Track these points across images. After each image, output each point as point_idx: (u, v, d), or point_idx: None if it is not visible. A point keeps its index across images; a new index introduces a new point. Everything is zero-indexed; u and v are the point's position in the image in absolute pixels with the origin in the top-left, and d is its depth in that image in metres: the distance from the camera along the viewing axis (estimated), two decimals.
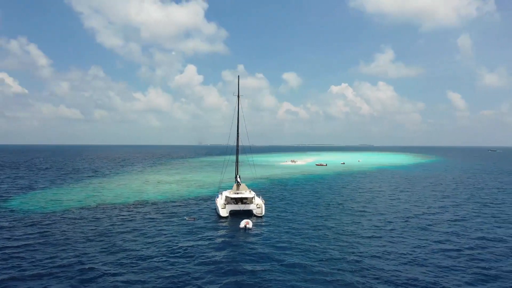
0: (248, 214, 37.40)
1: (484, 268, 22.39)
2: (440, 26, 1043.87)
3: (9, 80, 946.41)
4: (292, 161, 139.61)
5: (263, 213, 37.35)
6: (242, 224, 32.69)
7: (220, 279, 20.40)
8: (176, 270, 21.69)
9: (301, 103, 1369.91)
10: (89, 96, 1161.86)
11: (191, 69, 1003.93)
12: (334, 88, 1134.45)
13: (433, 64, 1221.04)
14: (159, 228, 32.59)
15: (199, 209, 41.59)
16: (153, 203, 45.45)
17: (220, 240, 28.98)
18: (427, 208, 43.06)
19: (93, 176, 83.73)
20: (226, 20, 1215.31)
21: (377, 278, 20.65)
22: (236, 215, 36.92)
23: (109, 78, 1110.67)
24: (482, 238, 29.41)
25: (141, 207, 42.77)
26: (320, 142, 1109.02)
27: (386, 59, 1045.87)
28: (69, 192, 54.86)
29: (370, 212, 40.44)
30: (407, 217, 37.44)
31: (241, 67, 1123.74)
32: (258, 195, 41.74)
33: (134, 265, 22.55)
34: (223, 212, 36.64)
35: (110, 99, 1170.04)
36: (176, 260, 23.53)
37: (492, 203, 46.60)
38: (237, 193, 38.90)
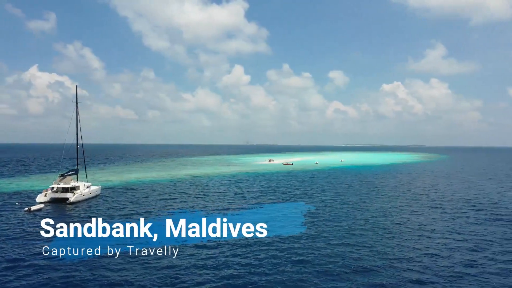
0: (65, 201, 44.80)
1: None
2: (493, 19, 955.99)
3: (68, 83, 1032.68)
4: (270, 160, 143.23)
5: (72, 201, 44.46)
6: (27, 208, 40.01)
7: None
8: None
9: (351, 102, 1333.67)
10: (142, 97, 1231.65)
11: (239, 69, 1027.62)
12: (386, 87, 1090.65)
13: (490, 59, 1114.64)
14: None
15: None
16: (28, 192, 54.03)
17: None
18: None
19: (49, 171, 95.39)
20: (266, 20, 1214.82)
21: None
22: (56, 202, 44.67)
23: (159, 80, 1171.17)
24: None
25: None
26: (371, 142, 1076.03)
27: (437, 55, 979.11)
28: None
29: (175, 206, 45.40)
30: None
31: (286, 66, 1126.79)
32: (88, 187, 48.93)
33: None
34: (39, 199, 44.30)
35: (161, 100, 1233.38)
36: None
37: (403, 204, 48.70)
38: (58, 184, 46.37)
